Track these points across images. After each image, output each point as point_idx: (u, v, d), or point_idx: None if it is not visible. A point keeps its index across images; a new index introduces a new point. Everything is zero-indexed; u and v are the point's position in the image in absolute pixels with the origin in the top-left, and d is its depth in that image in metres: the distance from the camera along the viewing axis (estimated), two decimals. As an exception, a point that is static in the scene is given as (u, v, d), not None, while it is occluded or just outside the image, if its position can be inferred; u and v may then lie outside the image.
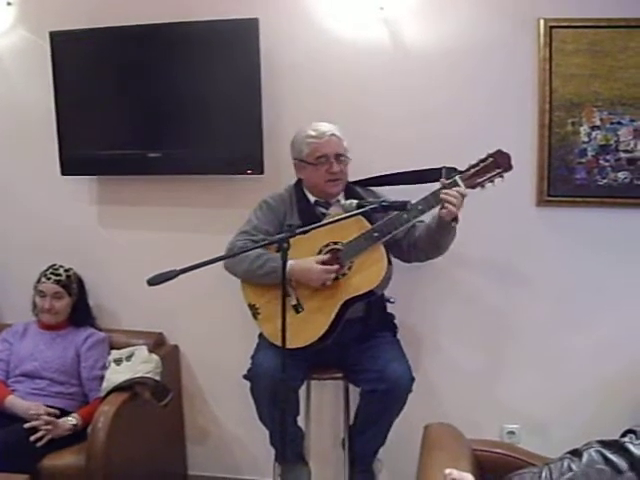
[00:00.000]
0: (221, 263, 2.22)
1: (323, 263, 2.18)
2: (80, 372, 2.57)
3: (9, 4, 2.77)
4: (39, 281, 2.63)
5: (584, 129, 2.42)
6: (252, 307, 2.30)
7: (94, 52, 2.65)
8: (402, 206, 2.04)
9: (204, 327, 2.83)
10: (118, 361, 2.54)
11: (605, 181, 2.44)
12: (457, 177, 2.12)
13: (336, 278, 2.19)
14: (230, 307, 2.61)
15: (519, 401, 2.61)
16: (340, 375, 2.38)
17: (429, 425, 1.94)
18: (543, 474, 1.40)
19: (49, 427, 2.30)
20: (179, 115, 2.62)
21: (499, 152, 2.12)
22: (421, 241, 2.24)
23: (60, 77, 2.67)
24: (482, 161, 2.12)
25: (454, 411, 2.55)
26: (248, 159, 2.57)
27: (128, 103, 2.70)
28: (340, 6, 2.53)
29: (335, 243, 2.22)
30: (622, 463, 1.33)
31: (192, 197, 2.77)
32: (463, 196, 2.09)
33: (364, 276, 2.18)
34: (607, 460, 1.34)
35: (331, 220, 2.05)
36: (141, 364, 2.52)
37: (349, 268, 2.20)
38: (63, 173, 2.75)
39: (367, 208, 2.03)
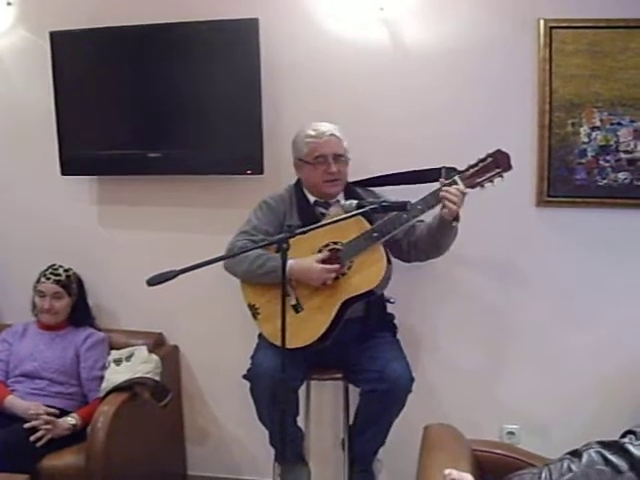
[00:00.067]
0: (221, 263, 2.22)
1: (323, 262, 2.18)
2: (80, 372, 2.56)
3: (9, 4, 2.77)
4: (39, 281, 2.63)
5: (584, 130, 2.42)
6: (252, 307, 2.30)
7: (94, 52, 2.65)
8: (402, 206, 2.04)
9: (204, 327, 2.83)
10: (118, 361, 2.54)
11: (605, 182, 2.44)
12: (456, 177, 2.13)
13: (336, 278, 2.19)
14: (230, 307, 2.61)
15: (519, 401, 2.61)
16: (340, 375, 2.38)
17: (429, 425, 1.94)
18: (543, 475, 1.40)
19: (49, 427, 2.30)
20: (179, 115, 2.62)
21: (499, 152, 2.12)
22: (422, 241, 2.24)
23: (60, 77, 2.67)
24: (481, 161, 2.12)
25: (454, 411, 2.55)
26: (248, 159, 2.57)
27: (128, 103, 2.70)
28: (340, 6, 2.53)
29: (335, 243, 2.22)
30: (622, 464, 1.32)
31: (192, 197, 2.77)
32: (463, 194, 2.09)
33: (364, 276, 2.18)
34: (607, 461, 1.34)
35: (331, 220, 2.05)
36: (141, 364, 2.52)
37: (349, 268, 2.20)
38: (63, 173, 2.75)
39: (367, 208, 2.03)
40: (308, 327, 2.20)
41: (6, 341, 2.64)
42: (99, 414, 2.29)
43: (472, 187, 2.12)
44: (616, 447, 1.36)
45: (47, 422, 2.31)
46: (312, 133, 2.28)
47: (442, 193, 2.09)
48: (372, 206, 2.03)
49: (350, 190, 2.37)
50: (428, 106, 2.52)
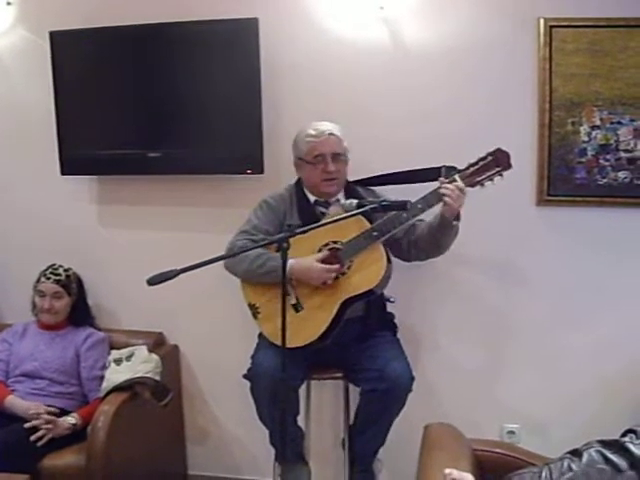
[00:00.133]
0: (221, 263, 2.22)
1: (323, 261, 2.18)
2: (80, 372, 2.57)
3: (9, 4, 2.77)
4: (39, 281, 2.63)
5: (584, 129, 2.42)
6: (252, 307, 2.30)
7: (94, 52, 2.65)
8: (402, 206, 2.04)
9: (204, 327, 2.83)
10: (118, 361, 2.54)
11: (605, 181, 2.44)
12: (456, 175, 2.13)
13: (336, 277, 2.19)
14: (230, 307, 2.61)
15: (519, 401, 2.61)
16: (340, 375, 2.38)
17: (429, 425, 1.94)
18: (543, 474, 1.40)
19: (49, 426, 2.30)
20: (179, 115, 2.62)
21: (498, 151, 2.12)
22: (422, 240, 2.24)
23: (60, 77, 2.67)
24: (481, 160, 2.13)
25: (454, 411, 2.55)
26: (248, 159, 2.57)
27: (128, 103, 2.70)
28: (340, 6, 2.53)
29: (335, 242, 2.22)
30: (622, 463, 1.32)
31: (192, 197, 2.77)
32: (462, 191, 2.09)
33: (363, 275, 2.18)
34: (607, 460, 1.34)
35: (331, 220, 2.05)
36: (141, 364, 2.52)
37: (348, 267, 2.20)
38: (63, 173, 2.75)
39: (367, 208, 2.03)
40: (308, 326, 2.20)
41: (6, 341, 2.65)
42: (99, 414, 2.29)
43: (472, 186, 2.13)
44: (616, 446, 1.36)
45: (48, 421, 2.31)
46: (312, 132, 2.28)
47: (442, 190, 2.10)
48: (372, 205, 2.03)
49: (350, 189, 2.37)
50: (428, 105, 2.52)
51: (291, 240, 1.81)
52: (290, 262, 1.99)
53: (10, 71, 2.87)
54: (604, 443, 1.38)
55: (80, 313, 2.68)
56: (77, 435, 2.38)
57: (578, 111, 2.41)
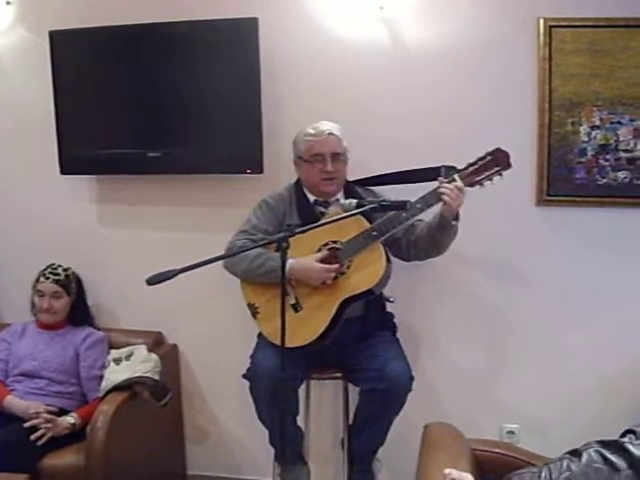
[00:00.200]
0: (220, 262, 2.22)
1: (322, 261, 2.18)
2: (79, 371, 2.56)
3: (8, 3, 2.77)
4: (38, 280, 2.63)
5: (584, 129, 2.42)
6: (251, 306, 2.30)
7: (93, 51, 2.65)
8: (401, 206, 2.04)
9: (203, 326, 2.83)
10: (117, 360, 2.54)
11: (605, 181, 2.44)
12: (456, 175, 2.13)
13: (335, 277, 2.19)
14: (229, 307, 2.60)
15: (519, 401, 2.61)
16: (339, 375, 2.38)
17: (429, 425, 1.94)
18: (542, 474, 1.40)
19: (49, 425, 2.30)
20: (179, 114, 2.62)
21: (498, 150, 2.12)
22: (422, 240, 2.24)
23: (59, 76, 2.67)
24: (481, 159, 2.13)
25: (454, 411, 2.55)
26: (248, 159, 2.57)
27: (127, 102, 2.70)
28: (340, 6, 2.53)
29: (334, 242, 2.22)
30: (621, 463, 1.32)
31: (192, 197, 2.77)
32: (461, 190, 2.09)
33: (363, 275, 2.18)
34: (606, 460, 1.34)
35: (330, 219, 2.05)
36: (140, 363, 2.52)
37: (348, 267, 2.20)
38: (62, 172, 2.75)
39: (366, 207, 2.03)
40: (307, 326, 2.20)
41: (5, 341, 2.64)
42: (99, 413, 2.29)
43: (471, 185, 2.13)
44: (616, 446, 1.36)
45: (47, 421, 2.31)
46: (311, 132, 2.29)
47: (441, 190, 2.10)
48: (371, 205, 2.03)
49: (350, 189, 2.37)
50: (428, 105, 2.52)
51: (290, 240, 1.81)
52: (289, 262, 2.00)
53: (9, 71, 2.87)
54: (603, 443, 1.38)
55: (79, 313, 2.68)
56: (76, 435, 2.37)
57: (578, 111, 2.41)
